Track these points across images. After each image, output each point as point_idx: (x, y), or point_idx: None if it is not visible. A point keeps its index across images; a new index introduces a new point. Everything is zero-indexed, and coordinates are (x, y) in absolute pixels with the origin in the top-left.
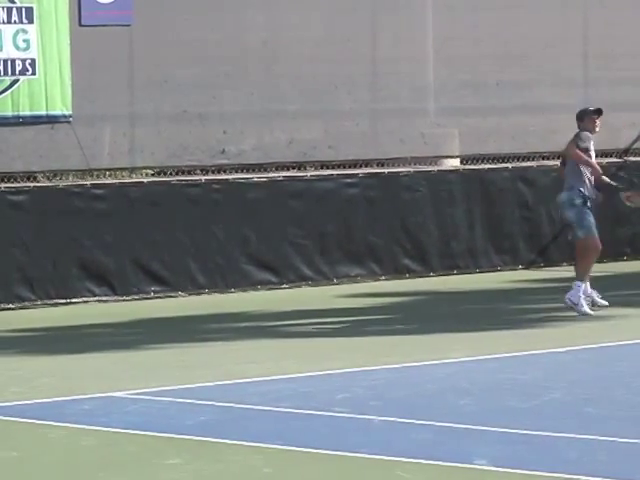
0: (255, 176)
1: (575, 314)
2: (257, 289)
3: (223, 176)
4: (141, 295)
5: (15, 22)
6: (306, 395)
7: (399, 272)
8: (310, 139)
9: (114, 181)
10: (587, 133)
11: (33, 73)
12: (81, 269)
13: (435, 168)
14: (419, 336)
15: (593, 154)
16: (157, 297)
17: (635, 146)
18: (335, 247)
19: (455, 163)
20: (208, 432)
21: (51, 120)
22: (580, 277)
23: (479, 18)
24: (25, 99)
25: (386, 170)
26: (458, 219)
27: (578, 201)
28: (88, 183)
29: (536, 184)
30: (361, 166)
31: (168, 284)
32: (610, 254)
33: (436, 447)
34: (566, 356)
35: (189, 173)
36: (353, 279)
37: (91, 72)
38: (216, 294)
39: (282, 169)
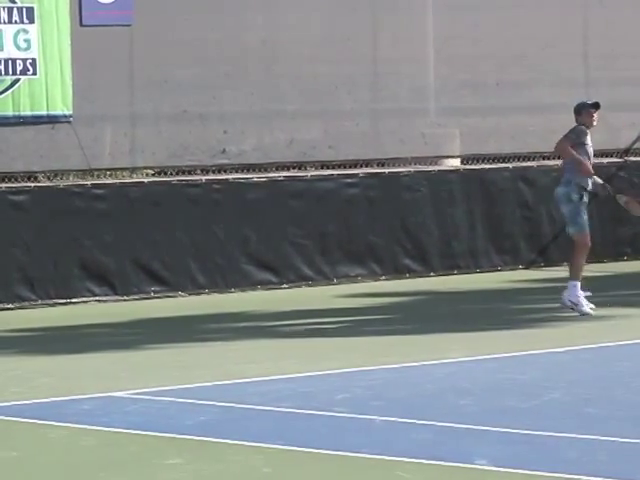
0: (255, 176)
1: (575, 314)
2: (257, 289)
3: (223, 176)
4: (141, 295)
5: (16, 22)
6: (306, 395)
7: (399, 272)
8: (310, 139)
9: (115, 181)
10: (582, 127)
11: (34, 73)
12: (81, 269)
13: (435, 168)
14: (419, 336)
15: (591, 149)
16: (157, 297)
17: (635, 146)
18: (335, 247)
19: (455, 163)
20: (208, 432)
21: (52, 120)
22: (572, 276)
23: (479, 18)
24: (26, 99)
25: (386, 170)
26: (458, 219)
27: (575, 197)
28: (89, 183)
29: (536, 184)
30: (361, 166)
31: (168, 284)
32: (610, 254)
33: (436, 447)
34: (566, 356)
35: (189, 173)
36: (353, 279)
37: (92, 72)
38: (216, 294)
39: (282, 169)
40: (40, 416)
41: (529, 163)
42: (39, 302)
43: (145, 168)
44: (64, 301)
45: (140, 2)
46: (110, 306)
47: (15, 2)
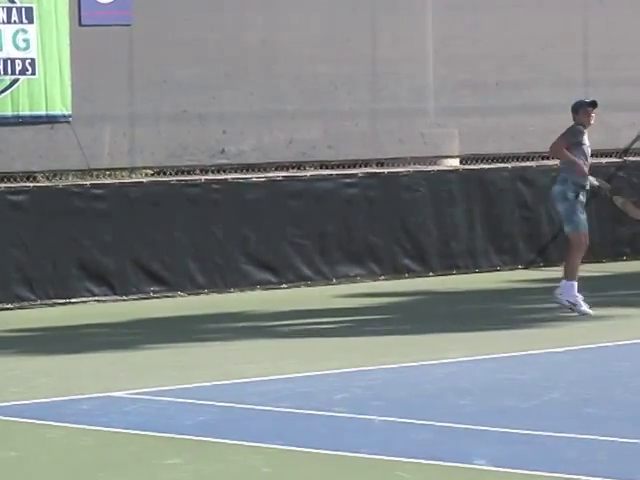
0: (254, 176)
1: (574, 314)
2: (256, 289)
3: (223, 176)
4: (140, 295)
5: (15, 22)
6: (305, 395)
7: (398, 272)
8: (310, 139)
9: (114, 181)
10: (579, 127)
11: (33, 73)
12: (80, 269)
13: (435, 168)
14: (418, 336)
15: (588, 149)
16: (156, 297)
17: (635, 146)
18: (334, 247)
19: (455, 163)
20: (207, 432)
21: (51, 120)
22: (569, 276)
23: (479, 18)
24: (25, 99)
25: (386, 170)
26: (457, 219)
27: (570, 195)
28: (88, 183)
29: (535, 184)
30: (361, 166)
31: (167, 284)
32: (610, 254)
33: (435, 447)
34: (565, 356)
35: (189, 173)
36: (352, 279)
37: (91, 72)
38: (215, 294)
39: (281, 169)
40: (39, 416)
41: (528, 163)
42: (38, 302)
43: (144, 168)
44: (63, 301)
45: (139, 2)
46: (109, 306)
47: (14, 2)
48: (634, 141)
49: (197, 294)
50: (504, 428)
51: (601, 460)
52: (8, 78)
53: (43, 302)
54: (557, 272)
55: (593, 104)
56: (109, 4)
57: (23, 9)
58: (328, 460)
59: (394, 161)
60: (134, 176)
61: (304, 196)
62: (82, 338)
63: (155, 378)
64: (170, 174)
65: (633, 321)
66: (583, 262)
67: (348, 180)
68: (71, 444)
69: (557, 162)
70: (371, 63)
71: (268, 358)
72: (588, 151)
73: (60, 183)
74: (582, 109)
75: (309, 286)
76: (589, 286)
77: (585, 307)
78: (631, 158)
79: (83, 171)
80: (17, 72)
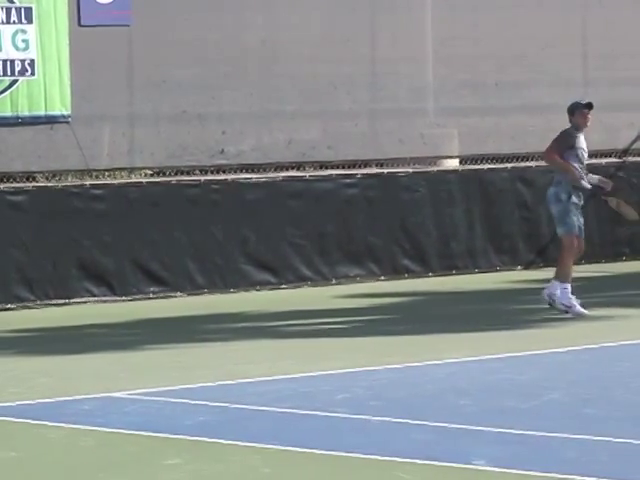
0: (254, 176)
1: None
2: (256, 289)
3: (222, 176)
4: (140, 295)
5: (14, 22)
6: (305, 395)
7: (398, 272)
8: (309, 139)
9: (113, 181)
10: (571, 130)
11: (32, 73)
12: (80, 269)
13: (434, 168)
14: (418, 336)
15: (584, 153)
16: (156, 297)
17: (634, 146)
18: (334, 247)
19: (454, 163)
20: (207, 432)
21: (50, 120)
22: (561, 278)
23: (479, 18)
24: (24, 99)
25: (385, 170)
26: (457, 219)
27: (564, 197)
28: (87, 183)
29: (535, 184)
30: (360, 166)
31: (167, 284)
32: (609, 254)
33: (435, 447)
34: (565, 356)
35: (188, 173)
36: (352, 279)
37: (90, 72)
38: (215, 294)
39: (281, 169)
40: (39, 416)
41: (528, 163)
42: (38, 302)
43: (144, 168)
44: (63, 301)
45: (139, 2)
46: (109, 306)
47: (13, 2)
48: (634, 141)
49: (197, 294)
50: (504, 428)
51: (601, 460)
52: (7, 79)
53: (43, 302)
54: None
55: (589, 106)
56: (108, 4)
57: (22, 9)
58: (328, 460)
59: (394, 161)
60: (133, 176)
61: (304, 196)
62: (82, 338)
63: (155, 378)
64: (169, 174)
65: (633, 321)
66: (583, 262)
67: (348, 180)
68: (71, 444)
69: None
70: (370, 63)
71: (268, 358)
72: (584, 154)
73: (59, 183)
74: (578, 111)
75: (309, 286)
76: (589, 286)
77: (580, 308)
78: (630, 158)
79: (82, 171)
80: (16, 73)
